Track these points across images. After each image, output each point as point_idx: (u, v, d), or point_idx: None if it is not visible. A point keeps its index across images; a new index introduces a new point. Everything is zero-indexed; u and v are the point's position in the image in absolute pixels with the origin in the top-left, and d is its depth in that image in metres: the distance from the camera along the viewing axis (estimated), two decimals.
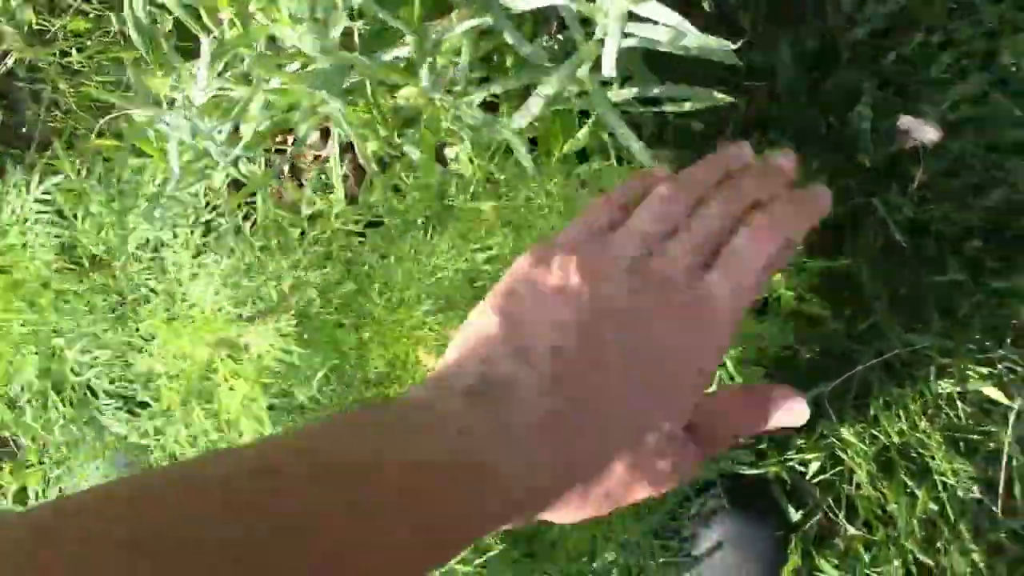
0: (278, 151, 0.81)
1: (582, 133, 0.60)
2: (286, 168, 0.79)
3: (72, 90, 0.88)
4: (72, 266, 0.61)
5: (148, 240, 0.62)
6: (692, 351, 0.32)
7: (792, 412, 0.35)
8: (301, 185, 0.81)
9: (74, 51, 0.88)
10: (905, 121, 0.77)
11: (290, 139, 0.81)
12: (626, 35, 0.57)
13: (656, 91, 0.67)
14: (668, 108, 0.69)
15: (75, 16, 0.88)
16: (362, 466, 0.27)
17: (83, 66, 0.88)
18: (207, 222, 0.65)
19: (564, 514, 0.31)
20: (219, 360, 0.47)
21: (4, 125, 0.90)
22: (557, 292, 0.32)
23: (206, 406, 0.52)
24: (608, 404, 0.31)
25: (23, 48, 0.88)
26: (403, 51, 0.62)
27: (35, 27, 0.89)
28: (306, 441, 0.28)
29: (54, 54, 0.88)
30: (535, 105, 0.55)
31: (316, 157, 0.81)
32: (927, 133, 0.77)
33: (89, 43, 0.88)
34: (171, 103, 0.64)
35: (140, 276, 0.53)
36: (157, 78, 0.54)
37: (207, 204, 0.64)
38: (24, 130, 0.91)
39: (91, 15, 0.88)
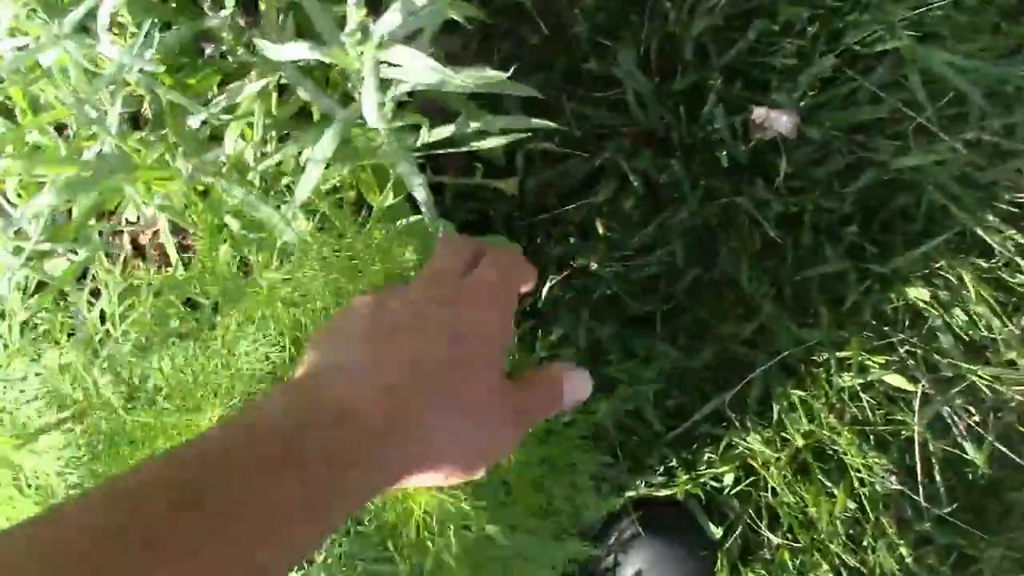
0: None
1: (387, 190, 0.57)
2: (127, 248, 0.76)
3: None
4: None
5: None
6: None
7: (575, 383, 0.39)
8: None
9: None
10: (759, 113, 0.74)
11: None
12: (398, 81, 0.55)
13: (474, 126, 0.64)
14: (500, 140, 0.67)
15: None
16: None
17: None
18: (24, 323, 0.63)
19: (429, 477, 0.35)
20: None
21: None
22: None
23: None
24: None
25: None
26: (196, 120, 0.60)
27: None
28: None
29: None
30: (311, 177, 0.53)
31: (155, 233, 0.78)
32: (783, 123, 0.73)
33: None
34: None
35: None
36: None
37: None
38: None
39: None
